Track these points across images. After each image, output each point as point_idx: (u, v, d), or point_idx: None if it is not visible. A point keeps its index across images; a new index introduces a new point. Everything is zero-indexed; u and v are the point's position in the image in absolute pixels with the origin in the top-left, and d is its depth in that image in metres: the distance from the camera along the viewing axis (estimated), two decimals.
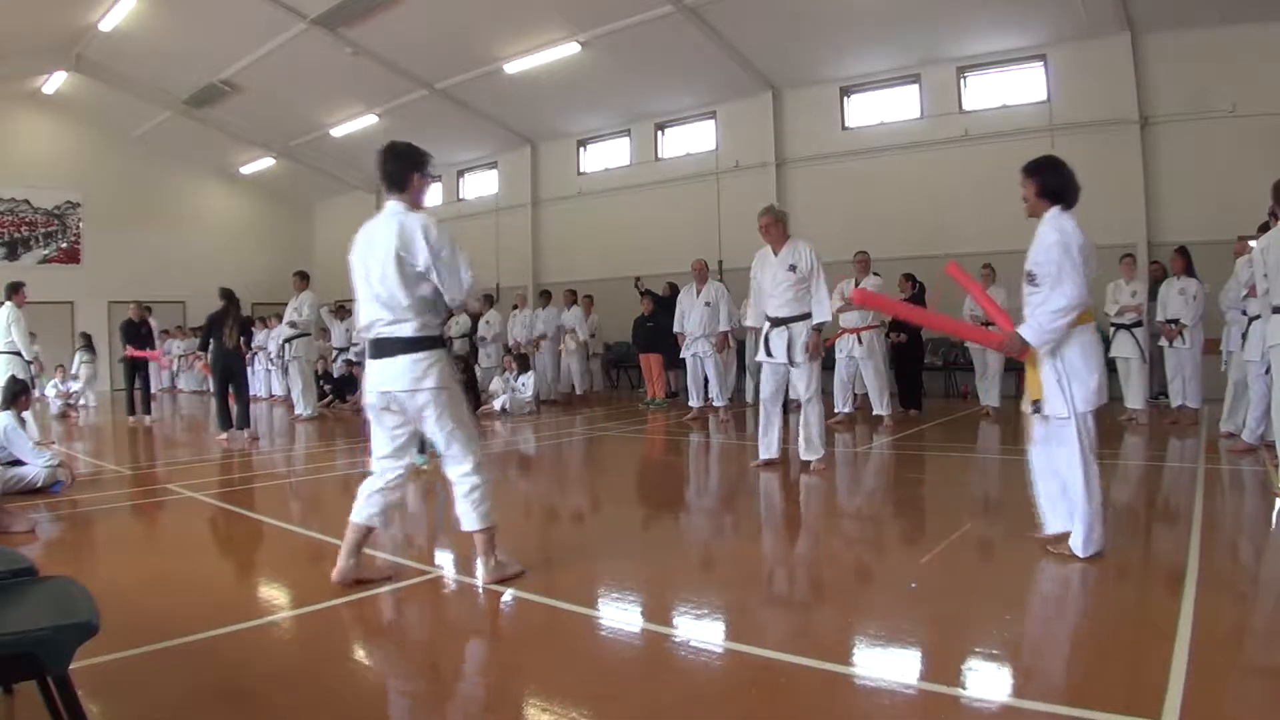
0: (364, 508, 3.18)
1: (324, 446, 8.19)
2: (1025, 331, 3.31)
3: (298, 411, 10.31)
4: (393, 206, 3.11)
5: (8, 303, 8.09)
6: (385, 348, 3.06)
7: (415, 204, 3.14)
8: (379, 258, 3.01)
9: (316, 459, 7.40)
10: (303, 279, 10.10)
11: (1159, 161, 9.96)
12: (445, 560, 3.76)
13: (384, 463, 3.21)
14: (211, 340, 8.29)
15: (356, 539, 3.19)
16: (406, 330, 3.02)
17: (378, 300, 3.03)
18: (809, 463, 5.58)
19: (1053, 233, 3.27)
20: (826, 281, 5.55)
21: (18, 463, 5.27)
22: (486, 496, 3.18)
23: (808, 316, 5.43)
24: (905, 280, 9.10)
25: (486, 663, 2.56)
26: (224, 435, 8.04)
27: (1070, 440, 3.27)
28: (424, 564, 3.66)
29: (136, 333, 10.63)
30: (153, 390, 11.00)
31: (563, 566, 3.68)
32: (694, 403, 9.29)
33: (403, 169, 3.11)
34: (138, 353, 10.51)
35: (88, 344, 13.24)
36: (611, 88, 13.47)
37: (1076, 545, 3.26)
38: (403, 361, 3.02)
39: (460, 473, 3.15)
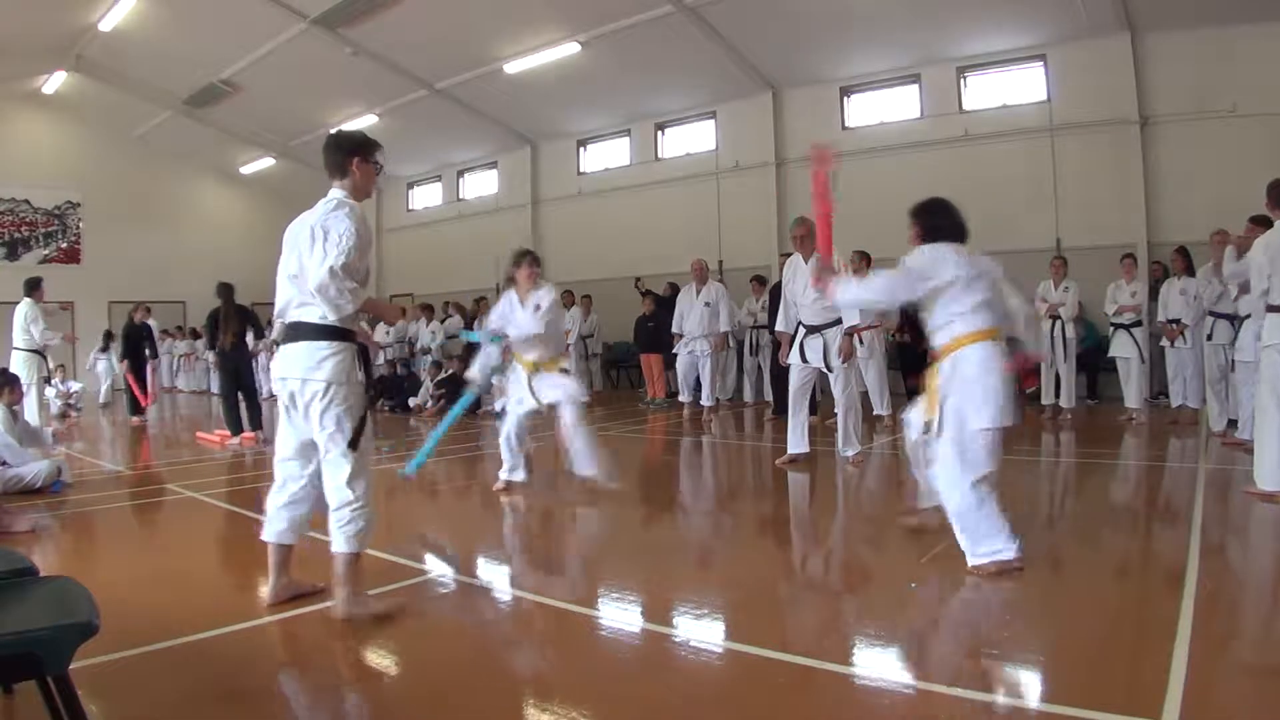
0: (271, 524, 2.95)
1: None
2: (838, 283, 3.51)
3: None
4: (332, 193, 2.93)
5: (26, 299, 7.92)
6: (292, 332, 2.89)
7: (358, 192, 2.95)
8: (303, 237, 2.83)
9: None
10: None
11: (1159, 161, 9.93)
12: (443, 560, 3.76)
13: (287, 466, 2.96)
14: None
15: (278, 559, 2.97)
16: (314, 315, 2.81)
17: (292, 280, 2.86)
18: (848, 457, 5.81)
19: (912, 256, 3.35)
20: None
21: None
22: (360, 517, 2.82)
23: (839, 322, 5.60)
24: None
25: (486, 663, 2.56)
26: (236, 440, 7.69)
27: (947, 458, 3.20)
28: (422, 564, 3.66)
29: (139, 335, 10.61)
30: (151, 390, 10.94)
31: (563, 566, 3.69)
32: (684, 398, 9.38)
33: (341, 155, 2.93)
34: (133, 383, 10.37)
35: (108, 344, 13.34)
36: (611, 88, 13.45)
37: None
38: (302, 348, 2.83)
39: (335, 484, 2.83)
